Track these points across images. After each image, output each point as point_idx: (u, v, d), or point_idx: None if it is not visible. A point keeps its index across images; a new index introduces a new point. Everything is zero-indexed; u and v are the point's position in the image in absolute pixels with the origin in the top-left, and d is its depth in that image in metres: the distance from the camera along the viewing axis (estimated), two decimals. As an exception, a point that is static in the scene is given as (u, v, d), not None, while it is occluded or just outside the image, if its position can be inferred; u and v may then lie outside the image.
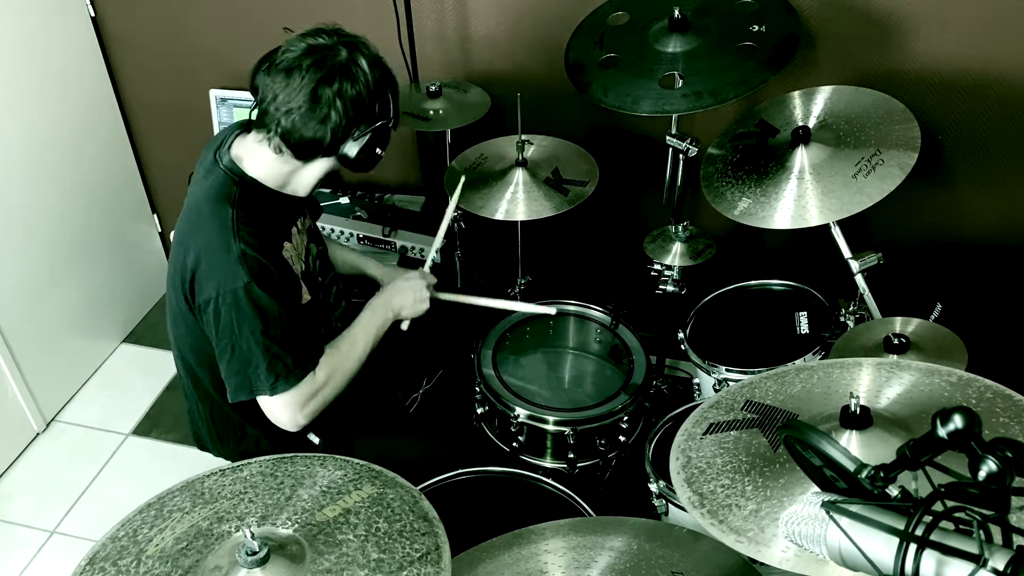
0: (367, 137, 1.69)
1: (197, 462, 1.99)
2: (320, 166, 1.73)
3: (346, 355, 1.82)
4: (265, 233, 1.69)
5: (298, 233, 1.81)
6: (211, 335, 1.70)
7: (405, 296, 1.94)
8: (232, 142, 1.75)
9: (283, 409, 1.73)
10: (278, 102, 1.63)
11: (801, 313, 2.15)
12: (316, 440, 1.94)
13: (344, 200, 2.69)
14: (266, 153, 1.70)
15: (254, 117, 1.69)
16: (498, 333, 2.18)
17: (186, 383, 1.93)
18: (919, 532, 0.82)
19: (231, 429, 1.91)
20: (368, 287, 2.04)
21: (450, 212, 2.08)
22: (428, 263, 2.05)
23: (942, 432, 0.84)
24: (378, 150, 1.73)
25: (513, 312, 2.17)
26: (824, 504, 0.92)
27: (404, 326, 1.97)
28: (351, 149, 1.69)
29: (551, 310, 2.11)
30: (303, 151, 1.68)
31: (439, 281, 2.05)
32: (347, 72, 1.62)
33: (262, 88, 1.66)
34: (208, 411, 1.92)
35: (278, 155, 1.69)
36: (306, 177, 1.75)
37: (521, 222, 2.18)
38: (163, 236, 3.18)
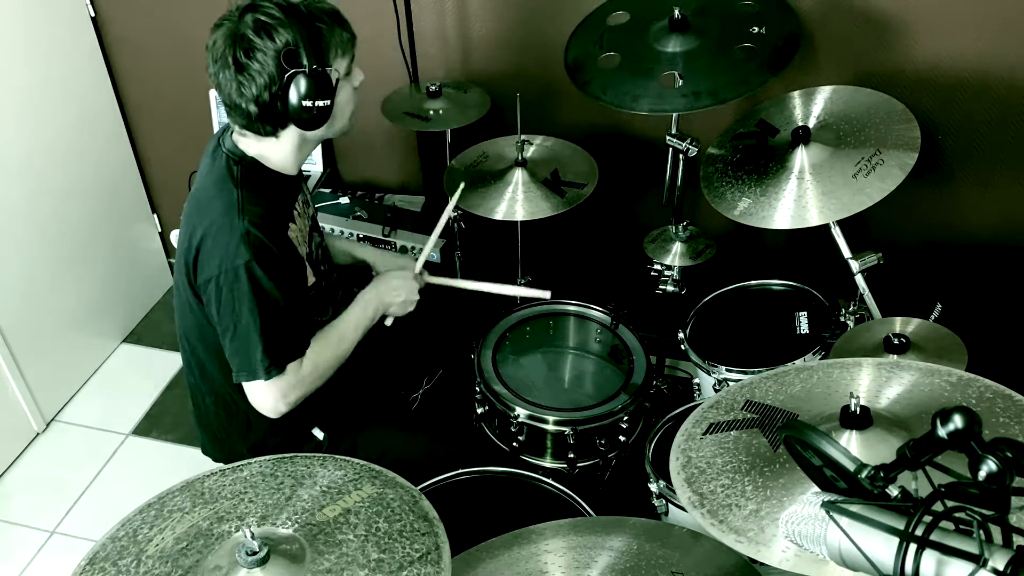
0: (305, 86, 1.63)
1: (197, 462, 1.99)
2: (291, 136, 1.72)
3: (334, 347, 1.82)
4: (270, 213, 1.71)
5: (299, 216, 1.82)
6: (212, 315, 1.71)
7: (399, 294, 1.93)
8: (234, 129, 1.78)
9: (267, 395, 1.74)
10: (224, 91, 1.66)
11: (801, 313, 2.15)
12: (320, 435, 1.94)
13: (344, 200, 2.68)
14: (249, 137, 1.73)
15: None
16: (498, 333, 2.18)
17: (195, 376, 1.93)
18: (919, 532, 0.82)
19: (237, 422, 1.91)
20: (365, 281, 2.03)
21: (446, 215, 2.07)
22: (421, 263, 2.03)
23: (942, 432, 0.84)
24: (319, 102, 1.66)
25: (507, 295, 2.13)
26: (824, 504, 0.92)
27: (388, 322, 1.96)
28: (293, 101, 1.64)
29: (546, 294, 2.09)
30: (262, 124, 1.68)
31: (431, 268, 2.04)
32: (259, 31, 1.61)
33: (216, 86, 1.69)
34: (215, 403, 1.92)
35: (255, 136, 1.71)
36: (287, 151, 1.75)
37: (521, 222, 2.18)
38: (163, 236, 3.17)
